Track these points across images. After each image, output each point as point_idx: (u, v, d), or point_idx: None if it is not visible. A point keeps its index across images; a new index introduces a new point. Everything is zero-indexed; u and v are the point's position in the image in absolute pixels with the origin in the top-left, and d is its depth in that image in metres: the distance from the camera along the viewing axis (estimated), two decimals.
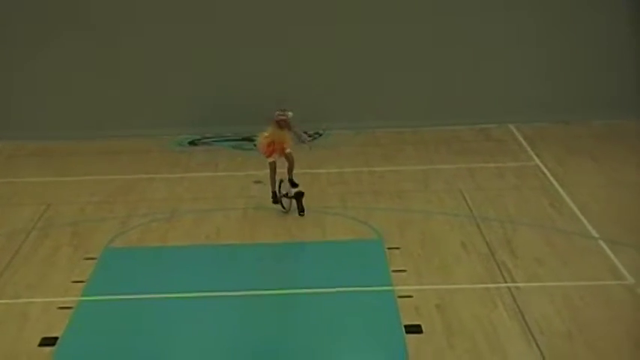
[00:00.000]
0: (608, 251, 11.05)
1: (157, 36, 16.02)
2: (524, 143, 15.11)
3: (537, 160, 14.28)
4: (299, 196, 12.01)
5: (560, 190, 13.05)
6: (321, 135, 15.83)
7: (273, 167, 12.05)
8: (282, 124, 11.98)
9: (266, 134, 12.12)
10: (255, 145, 15.62)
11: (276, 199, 12.20)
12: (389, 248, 11.30)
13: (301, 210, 11.95)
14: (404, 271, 10.71)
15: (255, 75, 15.97)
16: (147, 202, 13.18)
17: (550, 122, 15.89)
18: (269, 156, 12.06)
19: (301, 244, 11.63)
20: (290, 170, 12.07)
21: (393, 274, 10.64)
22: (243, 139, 15.82)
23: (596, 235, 11.51)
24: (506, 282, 10.41)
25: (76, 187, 13.85)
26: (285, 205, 12.20)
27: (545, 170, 13.84)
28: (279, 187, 12.17)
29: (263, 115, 15.88)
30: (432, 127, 15.85)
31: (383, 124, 15.92)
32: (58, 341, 9.43)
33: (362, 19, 15.98)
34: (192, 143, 15.85)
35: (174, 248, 11.68)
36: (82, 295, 10.40)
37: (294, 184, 12.03)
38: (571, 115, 15.94)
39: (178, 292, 10.42)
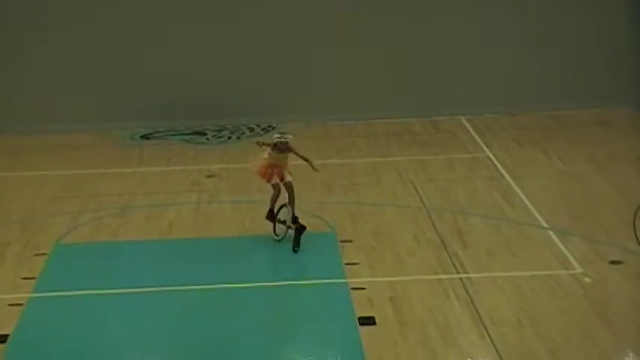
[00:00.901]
0: (557, 241, 11.21)
1: (108, 31, 15.87)
2: (474, 135, 15.25)
3: (487, 152, 14.43)
4: (300, 230, 11.12)
5: (510, 180, 13.20)
6: (273, 128, 15.83)
7: (277, 190, 11.24)
8: (283, 148, 11.20)
9: (265, 156, 11.30)
10: (207, 139, 15.64)
11: (272, 217, 11.31)
12: (342, 241, 11.34)
13: (297, 245, 11.01)
14: (357, 263, 10.77)
15: (206, 69, 15.92)
16: (98, 197, 13.07)
17: (499, 114, 16.04)
18: (269, 180, 11.25)
19: (255, 238, 11.62)
20: (292, 203, 11.19)
21: (346, 266, 10.69)
22: (196, 133, 15.77)
23: (546, 226, 11.68)
24: (458, 273, 10.52)
25: (26, 183, 13.70)
26: (278, 232, 11.25)
27: (496, 161, 13.99)
28: (279, 211, 11.33)
29: (215, 109, 15.96)
30: (383, 120, 15.93)
31: (334, 117, 15.96)
32: (9, 338, 9.33)
33: (313, 16, 15.98)
34: (144, 137, 15.75)
35: (126, 243, 11.61)
36: (33, 292, 10.30)
37: (295, 220, 11.17)
38: (519, 106, 16.11)
39: (130, 288, 10.37)
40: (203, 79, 15.91)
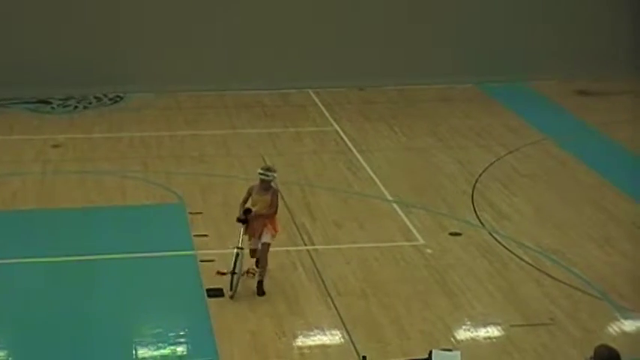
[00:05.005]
0: (401, 213, 11.58)
1: None
2: (322, 108, 15.47)
3: (335, 125, 14.68)
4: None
5: (357, 154, 13.50)
6: (122, 98, 15.60)
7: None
8: (266, 186, 9.52)
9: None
10: (52, 108, 15.22)
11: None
12: (191, 213, 11.35)
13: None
14: (206, 235, 10.81)
15: (53, 36, 15.47)
16: None
17: (347, 88, 16.31)
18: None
19: (102, 209, 11.48)
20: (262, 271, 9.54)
21: (195, 238, 10.72)
22: (41, 102, 15.34)
23: (390, 198, 12.03)
24: (305, 245, 10.72)
25: None
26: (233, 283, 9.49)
27: (343, 135, 14.25)
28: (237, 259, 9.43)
29: (61, 77, 15.52)
30: (233, 92, 15.94)
31: (184, 88, 15.85)
32: None
33: None
34: None
35: None
36: None
37: (260, 289, 9.55)
38: (366, 81, 16.43)
39: None
40: (49, 46, 15.45)
